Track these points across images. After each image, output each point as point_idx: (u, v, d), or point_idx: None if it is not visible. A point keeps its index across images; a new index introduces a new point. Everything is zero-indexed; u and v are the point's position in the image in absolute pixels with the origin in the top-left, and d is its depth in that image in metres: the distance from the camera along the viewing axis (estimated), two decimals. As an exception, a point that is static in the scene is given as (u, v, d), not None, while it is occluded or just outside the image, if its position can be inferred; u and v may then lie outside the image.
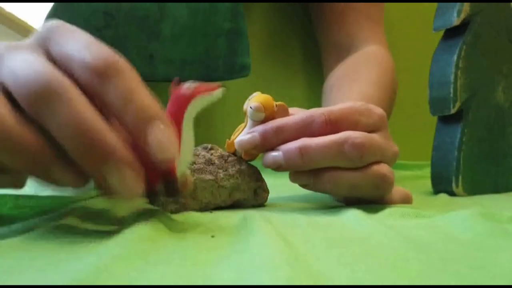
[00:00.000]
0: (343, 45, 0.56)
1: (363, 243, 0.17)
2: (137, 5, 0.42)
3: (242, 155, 0.28)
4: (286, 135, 0.26)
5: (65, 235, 0.18)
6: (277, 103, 0.28)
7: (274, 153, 0.26)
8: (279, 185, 0.35)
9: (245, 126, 0.28)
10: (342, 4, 0.56)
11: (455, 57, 0.38)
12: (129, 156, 0.17)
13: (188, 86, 0.20)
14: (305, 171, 0.26)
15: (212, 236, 0.18)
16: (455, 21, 0.38)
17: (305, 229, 0.20)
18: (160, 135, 0.17)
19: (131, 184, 0.17)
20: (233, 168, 0.28)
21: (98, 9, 0.41)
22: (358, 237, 0.18)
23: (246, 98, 0.29)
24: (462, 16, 0.38)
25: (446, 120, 0.39)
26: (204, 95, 0.19)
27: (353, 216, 0.23)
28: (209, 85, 0.20)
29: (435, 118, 0.40)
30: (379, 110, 0.28)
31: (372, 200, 0.27)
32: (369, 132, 0.27)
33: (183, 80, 0.46)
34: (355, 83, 0.44)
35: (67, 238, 0.17)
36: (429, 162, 0.66)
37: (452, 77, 0.37)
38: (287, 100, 0.29)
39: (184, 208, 0.26)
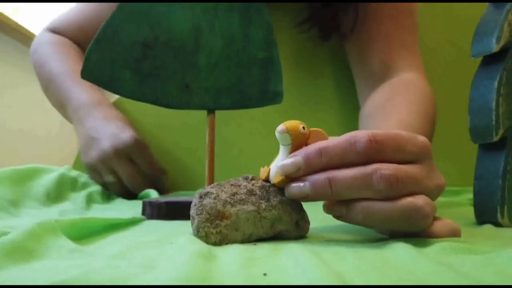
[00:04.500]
0: (378, 73, 0.55)
1: (423, 283, 0.17)
2: (174, 37, 0.43)
3: (273, 180, 0.28)
4: (330, 155, 0.25)
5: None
6: (312, 129, 0.28)
7: (299, 183, 0.26)
8: (318, 214, 0.34)
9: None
10: (374, 31, 0.56)
11: (496, 84, 0.37)
12: None
13: None
14: (338, 203, 0.26)
15: (264, 274, 0.18)
16: (495, 47, 0.37)
17: (358, 267, 0.20)
18: None
19: None
20: (275, 199, 0.28)
21: (137, 41, 0.43)
22: (415, 275, 0.18)
23: (276, 124, 0.28)
24: (502, 42, 0.37)
25: (488, 148, 0.38)
26: None
27: (403, 251, 0.22)
28: None
29: (469, 142, 0.39)
30: (424, 140, 0.27)
31: (416, 233, 0.26)
32: (412, 161, 0.26)
33: (218, 108, 0.46)
34: (394, 111, 0.43)
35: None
36: (465, 188, 0.64)
37: (494, 104, 0.36)
38: (318, 126, 0.29)
39: (227, 239, 0.26)
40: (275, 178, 0.27)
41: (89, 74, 0.41)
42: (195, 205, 0.26)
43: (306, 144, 0.27)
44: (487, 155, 0.38)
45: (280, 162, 0.27)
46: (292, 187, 0.26)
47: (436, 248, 0.23)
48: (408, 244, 0.23)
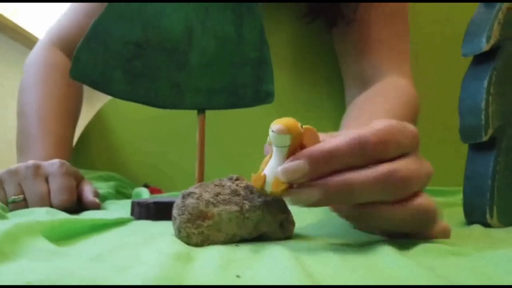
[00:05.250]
0: (366, 76, 0.55)
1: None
2: (166, 37, 0.43)
3: (272, 188, 0.24)
4: (339, 158, 0.23)
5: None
6: (304, 126, 0.25)
7: (307, 189, 0.23)
8: (303, 214, 0.34)
9: (270, 158, 0.25)
10: (364, 35, 0.56)
11: (485, 83, 0.37)
12: None
13: None
14: (350, 205, 0.25)
15: (238, 276, 0.18)
16: (485, 47, 0.37)
17: (338, 270, 0.19)
18: None
19: None
20: (259, 199, 0.27)
21: (130, 41, 0.42)
22: (395, 279, 0.18)
23: (268, 124, 0.26)
24: (492, 41, 0.37)
25: (478, 148, 0.38)
26: None
27: (387, 254, 0.22)
28: None
29: (465, 143, 0.38)
30: (414, 130, 0.26)
31: (413, 234, 0.26)
32: (405, 154, 0.25)
33: (210, 108, 0.46)
34: (372, 112, 0.44)
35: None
36: (459, 188, 0.64)
37: (483, 104, 0.36)
38: (312, 126, 0.28)
39: (209, 240, 0.26)
40: (275, 185, 0.24)
41: (78, 73, 0.41)
42: (177, 205, 0.26)
43: (302, 144, 0.24)
44: (476, 155, 0.37)
45: (280, 167, 0.23)
46: (299, 193, 0.24)
47: (419, 251, 0.23)
48: (393, 247, 0.23)
